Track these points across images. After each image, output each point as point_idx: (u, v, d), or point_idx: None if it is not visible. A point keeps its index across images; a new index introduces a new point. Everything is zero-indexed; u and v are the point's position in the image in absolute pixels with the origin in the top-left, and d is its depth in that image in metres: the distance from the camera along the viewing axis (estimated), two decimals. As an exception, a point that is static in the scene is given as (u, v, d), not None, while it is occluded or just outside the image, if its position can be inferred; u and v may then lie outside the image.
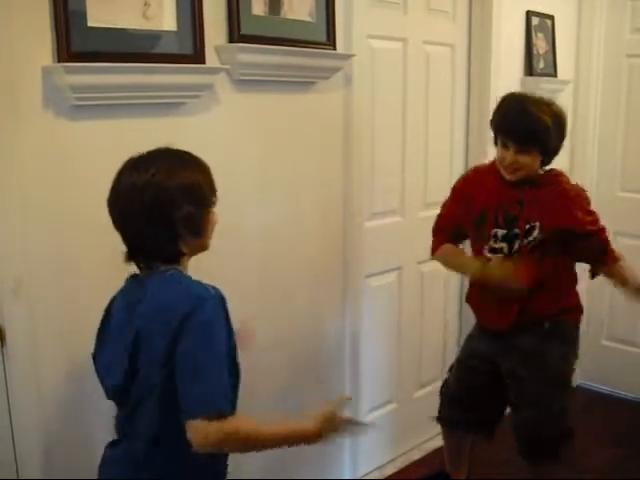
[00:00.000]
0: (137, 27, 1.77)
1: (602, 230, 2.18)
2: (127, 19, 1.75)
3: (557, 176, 2.19)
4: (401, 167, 2.81)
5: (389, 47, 2.67)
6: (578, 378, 3.50)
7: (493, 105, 2.23)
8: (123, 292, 1.49)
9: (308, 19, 2.22)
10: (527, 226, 2.13)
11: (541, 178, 2.16)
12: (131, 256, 1.44)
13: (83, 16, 1.66)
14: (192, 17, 1.88)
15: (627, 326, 3.61)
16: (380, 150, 2.68)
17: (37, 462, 1.74)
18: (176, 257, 1.44)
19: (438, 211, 2.39)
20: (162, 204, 1.38)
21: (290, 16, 2.16)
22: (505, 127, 2.12)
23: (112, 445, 1.52)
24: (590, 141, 3.62)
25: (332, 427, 1.44)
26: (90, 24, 1.67)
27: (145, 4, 1.78)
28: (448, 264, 2.39)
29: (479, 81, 3.04)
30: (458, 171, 2.85)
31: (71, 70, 1.63)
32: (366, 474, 2.86)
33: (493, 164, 2.23)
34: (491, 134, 2.21)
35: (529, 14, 3.22)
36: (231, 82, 2.06)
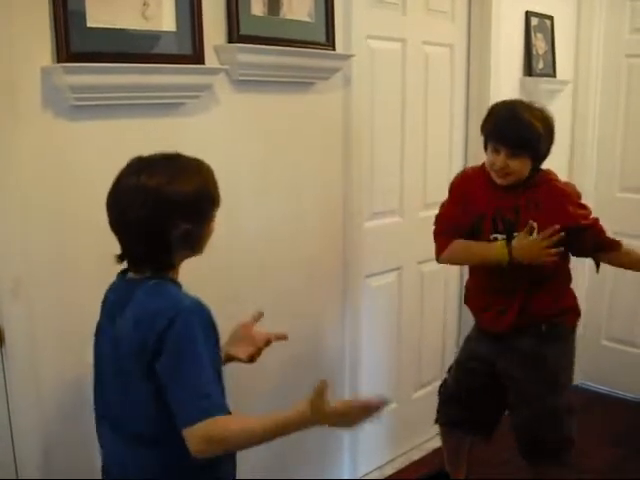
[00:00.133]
0: (136, 27, 1.77)
1: (596, 221, 2.19)
2: (126, 19, 1.75)
3: (547, 176, 2.21)
4: (400, 167, 2.81)
5: (388, 47, 2.67)
6: (577, 378, 3.49)
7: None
8: (113, 290, 1.49)
9: (307, 19, 2.22)
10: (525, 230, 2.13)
11: (533, 181, 2.17)
12: (123, 258, 1.43)
13: (82, 16, 1.66)
14: (191, 17, 1.88)
15: (626, 326, 3.61)
16: (380, 150, 2.68)
17: (36, 462, 1.74)
18: (166, 267, 1.43)
19: (437, 211, 2.38)
20: (160, 218, 1.36)
21: (289, 16, 2.16)
22: (497, 133, 2.13)
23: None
24: (589, 141, 3.62)
25: (356, 417, 1.36)
26: (89, 24, 1.67)
27: (144, 4, 1.78)
28: (463, 259, 2.34)
29: (478, 81, 3.03)
30: (457, 171, 2.84)
31: (70, 70, 1.63)
32: (366, 474, 2.86)
33: (483, 166, 2.23)
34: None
35: (528, 14, 3.22)
36: (230, 82, 2.06)
